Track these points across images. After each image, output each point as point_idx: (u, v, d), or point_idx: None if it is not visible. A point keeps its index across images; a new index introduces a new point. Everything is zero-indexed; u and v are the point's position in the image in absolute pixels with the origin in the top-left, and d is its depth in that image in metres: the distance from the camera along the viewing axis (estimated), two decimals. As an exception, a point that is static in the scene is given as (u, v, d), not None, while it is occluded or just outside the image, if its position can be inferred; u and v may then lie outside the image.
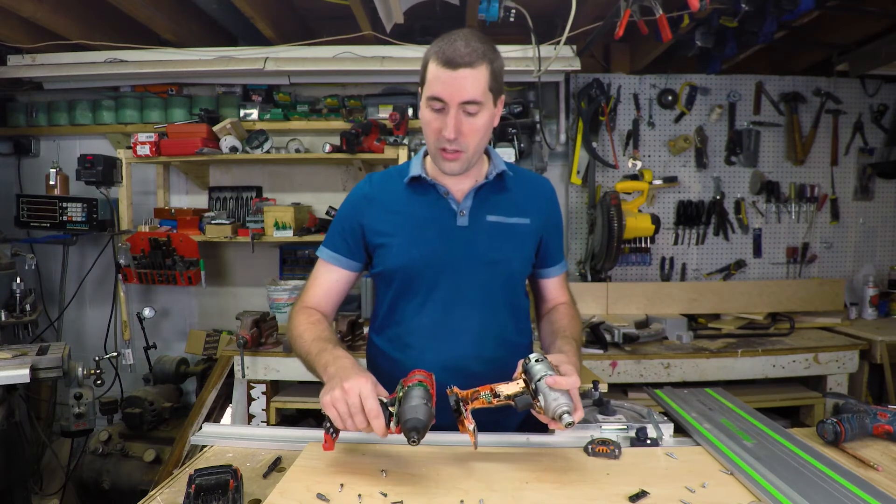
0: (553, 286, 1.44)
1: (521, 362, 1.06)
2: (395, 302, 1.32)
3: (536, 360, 1.03)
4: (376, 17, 2.68)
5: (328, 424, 1.01)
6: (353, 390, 0.98)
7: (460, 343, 1.28)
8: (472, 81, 1.14)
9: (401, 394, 0.99)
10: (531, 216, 1.33)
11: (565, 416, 0.93)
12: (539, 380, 0.99)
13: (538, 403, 0.98)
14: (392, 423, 0.96)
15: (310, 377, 2.70)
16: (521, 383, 1.02)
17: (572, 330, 1.30)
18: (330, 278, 1.36)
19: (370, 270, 1.37)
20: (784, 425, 1.24)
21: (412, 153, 3.09)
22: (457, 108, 1.15)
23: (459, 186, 1.30)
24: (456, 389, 1.04)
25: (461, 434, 1.03)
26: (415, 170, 1.31)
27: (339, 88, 3.34)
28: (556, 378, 0.98)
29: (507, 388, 1.02)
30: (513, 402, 1.00)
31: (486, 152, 1.35)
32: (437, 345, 1.28)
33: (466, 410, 1.00)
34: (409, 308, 1.30)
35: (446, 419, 1.06)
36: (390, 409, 0.98)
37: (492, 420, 1.26)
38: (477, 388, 1.04)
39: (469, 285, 1.28)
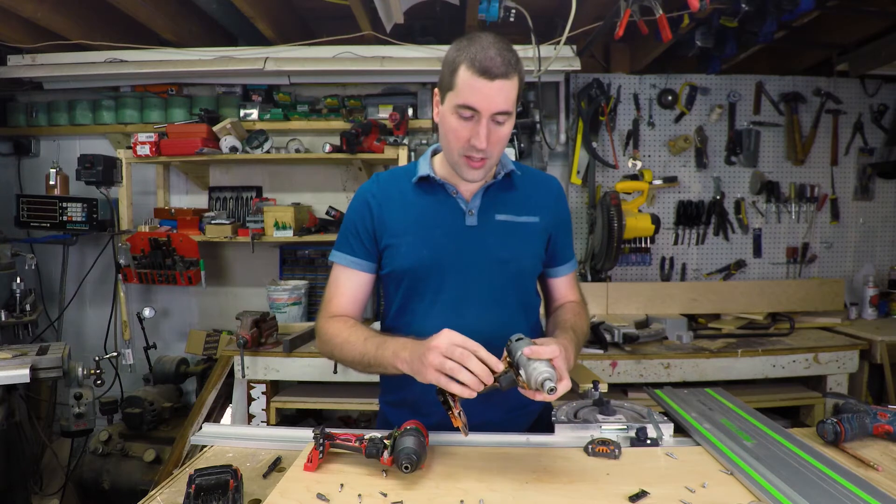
0: (562, 285, 1.42)
1: (505, 346, 1.05)
2: (405, 303, 1.31)
3: (517, 339, 1.02)
4: (376, 17, 2.68)
5: (320, 438, 1.04)
6: (446, 340, 1.01)
7: None
8: (508, 93, 1.13)
9: (396, 433, 1.03)
10: (540, 214, 1.32)
11: (547, 382, 0.92)
12: (520, 354, 0.98)
13: (521, 378, 0.97)
14: (385, 453, 1.00)
15: (310, 377, 2.69)
16: (505, 363, 1.02)
17: (574, 322, 1.28)
18: (352, 283, 1.32)
19: (379, 271, 1.35)
20: (784, 425, 1.24)
21: (412, 153, 3.09)
22: (488, 118, 1.14)
23: (468, 186, 1.29)
24: None
25: (461, 434, 1.03)
26: (423, 169, 1.30)
27: (339, 88, 3.34)
28: (534, 347, 0.98)
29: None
30: (498, 384, 1.00)
31: None
32: None
33: (455, 400, 1.00)
34: (420, 309, 1.29)
35: (446, 418, 1.06)
36: (385, 441, 1.01)
37: (503, 421, 1.27)
38: None
39: (479, 285, 1.27)
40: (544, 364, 0.95)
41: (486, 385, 0.98)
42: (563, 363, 1.00)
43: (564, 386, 0.96)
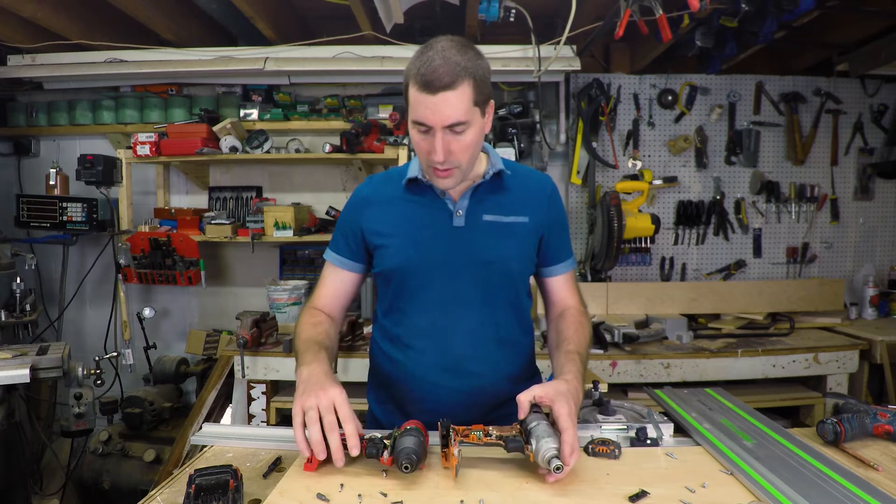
0: (559, 285, 1.41)
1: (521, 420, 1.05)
2: (394, 302, 1.33)
3: (535, 410, 1.03)
4: (376, 17, 2.68)
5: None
6: (329, 399, 1.03)
7: (459, 343, 1.28)
8: (455, 102, 1.11)
9: (396, 433, 1.02)
10: (530, 214, 1.32)
11: (553, 461, 0.92)
12: (533, 425, 0.99)
13: (529, 448, 0.97)
14: (386, 453, 0.99)
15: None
16: (516, 429, 1.03)
17: (577, 342, 1.27)
18: (336, 280, 1.38)
19: (371, 271, 1.38)
20: (784, 425, 1.23)
21: (412, 153, 3.08)
22: (442, 131, 1.13)
23: (457, 186, 1.30)
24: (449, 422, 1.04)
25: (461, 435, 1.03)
26: (412, 171, 1.30)
27: (339, 88, 3.34)
28: (556, 440, 0.97)
29: (501, 430, 1.03)
30: (503, 444, 1.00)
31: (484, 150, 1.35)
32: (436, 345, 1.28)
33: (454, 443, 1.00)
34: (408, 308, 1.31)
35: (434, 418, 1.08)
36: (385, 441, 1.01)
37: (502, 415, 1.28)
38: (470, 426, 1.04)
39: (466, 285, 1.28)
40: (555, 440, 0.95)
41: (335, 463, 0.99)
42: (576, 437, 0.98)
43: (573, 459, 0.95)
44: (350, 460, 1.05)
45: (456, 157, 1.17)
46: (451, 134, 1.14)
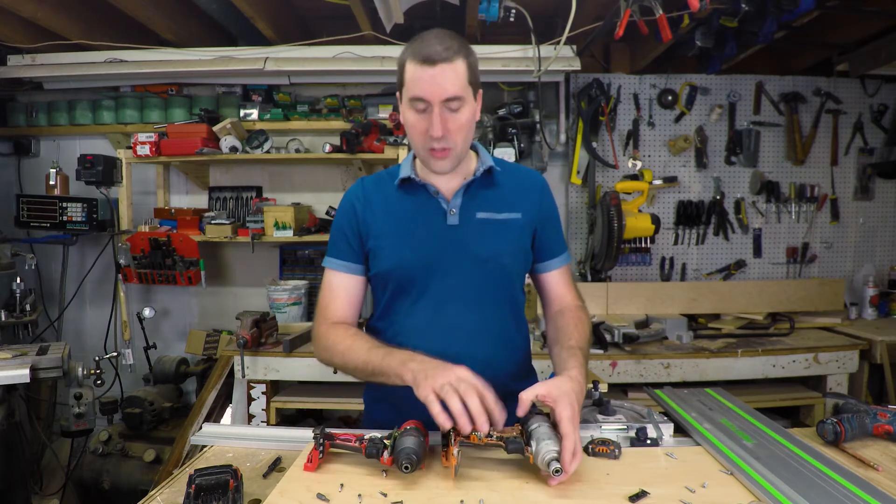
0: (555, 281, 1.40)
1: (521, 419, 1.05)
2: (390, 303, 1.33)
3: (538, 412, 1.03)
4: (376, 17, 2.68)
5: (320, 438, 1.03)
6: (460, 372, 1.02)
7: (454, 342, 1.27)
8: (453, 77, 1.15)
9: (396, 433, 1.02)
10: (522, 210, 1.32)
11: (553, 463, 0.92)
12: (535, 427, 0.99)
13: (529, 450, 0.97)
14: (386, 453, 0.99)
15: (310, 377, 2.70)
16: (517, 430, 1.03)
17: (578, 337, 1.26)
18: (346, 287, 1.35)
19: (367, 273, 1.37)
20: (784, 425, 1.23)
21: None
22: (440, 106, 1.16)
23: (449, 185, 1.30)
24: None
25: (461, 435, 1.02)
26: (404, 171, 1.31)
27: (339, 88, 3.34)
28: (556, 442, 0.96)
29: (501, 431, 1.02)
30: (503, 444, 1.00)
31: (474, 148, 1.35)
32: (430, 344, 1.26)
33: (455, 443, 1.00)
34: (403, 308, 1.31)
35: (430, 418, 1.07)
36: (385, 441, 1.01)
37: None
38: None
39: (461, 283, 1.28)
40: (556, 443, 0.95)
41: (478, 428, 0.98)
42: (579, 442, 0.97)
43: (575, 464, 0.94)
44: (349, 461, 1.05)
45: (452, 137, 1.19)
46: (448, 111, 1.17)
